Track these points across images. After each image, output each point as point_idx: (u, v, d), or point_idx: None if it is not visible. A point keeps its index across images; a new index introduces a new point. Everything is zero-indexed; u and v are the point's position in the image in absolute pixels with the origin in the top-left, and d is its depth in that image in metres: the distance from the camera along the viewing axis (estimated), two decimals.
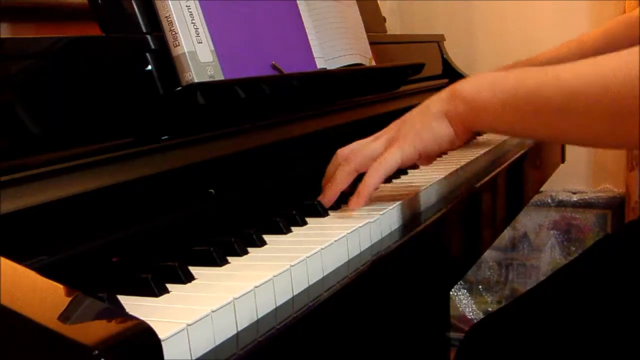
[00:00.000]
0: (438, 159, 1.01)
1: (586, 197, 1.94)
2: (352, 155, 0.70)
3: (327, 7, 0.96)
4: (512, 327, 0.71)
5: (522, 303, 0.76)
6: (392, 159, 0.67)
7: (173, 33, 0.68)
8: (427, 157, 0.72)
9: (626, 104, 0.52)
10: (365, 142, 0.72)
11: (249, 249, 0.57)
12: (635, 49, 0.52)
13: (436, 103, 0.69)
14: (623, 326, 0.65)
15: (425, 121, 0.68)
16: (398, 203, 0.69)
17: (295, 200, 0.72)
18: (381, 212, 0.66)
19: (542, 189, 1.83)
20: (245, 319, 0.45)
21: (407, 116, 0.71)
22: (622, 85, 0.52)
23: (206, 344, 0.41)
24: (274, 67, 0.80)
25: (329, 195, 0.70)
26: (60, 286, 0.38)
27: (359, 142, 0.72)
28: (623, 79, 0.52)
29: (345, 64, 0.95)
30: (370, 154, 0.69)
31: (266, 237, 0.60)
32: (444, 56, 1.45)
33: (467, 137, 0.70)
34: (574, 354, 0.65)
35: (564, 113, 0.57)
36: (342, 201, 0.73)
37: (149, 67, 0.66)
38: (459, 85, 0.67)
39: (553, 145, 1.33)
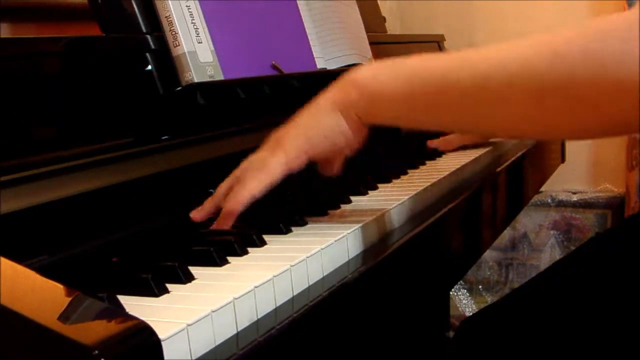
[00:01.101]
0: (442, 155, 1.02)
1: (586, 197, 1.94)
2: (239, 170, 0.62)
3: (327, 7, 0.96)
4: (507, 320, 0.71)
5: (518, 296, 0.76)
6: (276, 164, 0.59)
7: (173, 33, 0.68)
8: (323, 160, 0.63)
9: (549, 83, 0.47)
10: (257, 150, 0.63)
11: (249, 249, 0.57)
12: (562, 30, 0.48)
13: (326, 93, 0.60)
14: (617, 320, 0.65)
15: (312, 116, 0.60)
16: (399, 202, 0.69)
17: (296, 200, 0.72)
18: (382, 212, 0.66)
19: (542, 189, 1.83)
20: (245, 319, 0.45)
21: (297, 114, 0.62)
22: (546, 64, 0.47)
23: (206, 344, 0.41)
24: (274, 67, 0.80)
25: (203, 210, 0.62)
26: (60, 286, 0.38)
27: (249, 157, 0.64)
28: (547, 57, 0.47)
29: (345, 64, 0.95)
30: (256, 164, 0.61)
31: (266, 237, 0.60)
32: None
33: (363, 132, 0.61)
34: (568, 347, 0.65)
35: (474, 97, 0.51)
36: (342, 201, 0.73)
37: (149, 67, 0.66)
38: (354, 72, 0.59)
39: (553, 145, 1.33)
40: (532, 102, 0.48)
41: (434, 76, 0.54)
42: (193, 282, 0.50)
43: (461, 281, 2.04)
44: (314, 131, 0.59)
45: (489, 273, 2.05)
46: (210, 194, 0.68)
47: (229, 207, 0.58)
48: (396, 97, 0.56)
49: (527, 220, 2.00)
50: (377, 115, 0.59)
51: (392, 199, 0.72)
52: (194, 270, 0.51)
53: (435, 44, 1.44)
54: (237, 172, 0.63)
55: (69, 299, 0.37)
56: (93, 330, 0.34)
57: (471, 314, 1.99)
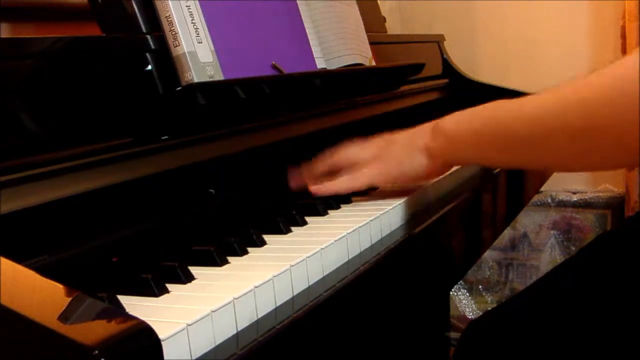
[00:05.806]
0: None
1: (586, 197, 1.94)
2: (340, 157, 0.75)
3: (327, 7, 0.96)
4: (511, 324, 0.71)
5: (521, 299, 0.76)
6: (365, 180, 0.73)
7: (173, 33, 0.68)
8: (401, 183, 0.76)
9: (578, 129, 0.55)
10: (360, 148, 0.76)
11: (249, 249, 0.57)
12: (592, 75, 0.55)
13: (422, 137, 0.72)
14: (625, 324, 0.65)
15: (408, 152, 0.72)
16: (399, 202, 0.69)
17: (295, 200, 0.72)
18: (382, 211, 0.66)
19: (542, 189, 1.82)
20: (245, 319, 0.45)
21: (397, 138, 0.74)
22: (573, 113, 0.55)
23: (206, 344, 0.41)
24: (274, 67, 0.80)
25: (301, 181, 0.75)
26: (60, 286, 0.38)
27: (354, 147, 0.76)
28: (574, 108, 0.55)
29: (345, 64, 0.95)
30: (355, 161, 0.74)
31: (266, 237, 0.60)
32: (444, 56, 1.44)
33: (444, 170, 0.75)
34: (572, 350, 0.65)
35: (528, 142, 0.61)
36: (342, 201, 0.73)
37: (149, 67, 0.66)
38: (442, 120, 0.71)
39: None
40: (570, 144, 0.57)
41: (497, 125, 0.65)
42: (193, 282, 0.50)
43: (461, 281, 2.04)
44: (407, 167, 0.72)
45: (489, 273, 2.05)
46: (211, 194, 0.68)
47: (314, 190, 0.72)
48: (471, 143, 0.68)
49: (527, 220, 2.00)
50: (456, 157, 0.72)
51: (392, 198, 0.72)
52: (194, 270, 0.51)
53: (435, 44, 1.44)
54: (333, 157, 0.76)
55: (69, 299, 0.37)
56: (93, 330, 0.34)
57: (471, 314, 2.00)
